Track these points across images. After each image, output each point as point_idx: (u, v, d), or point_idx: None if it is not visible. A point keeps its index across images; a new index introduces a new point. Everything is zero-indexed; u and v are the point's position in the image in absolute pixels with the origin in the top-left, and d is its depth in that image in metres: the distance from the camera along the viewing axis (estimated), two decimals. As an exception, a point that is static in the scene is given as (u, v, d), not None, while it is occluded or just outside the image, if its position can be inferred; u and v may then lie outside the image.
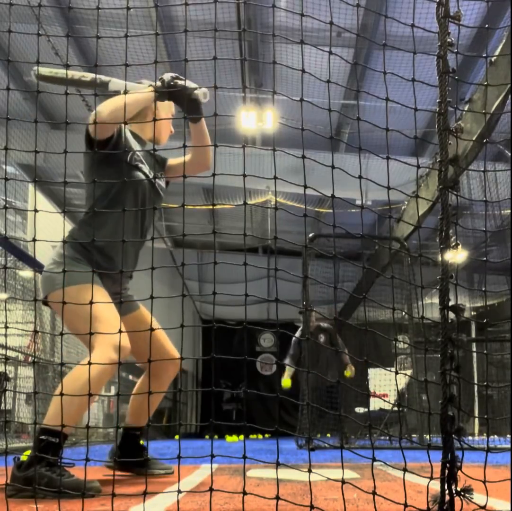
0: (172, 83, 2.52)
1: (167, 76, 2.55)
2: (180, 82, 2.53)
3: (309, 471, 1.53)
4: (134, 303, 2.84)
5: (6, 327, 2.21)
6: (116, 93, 2.53)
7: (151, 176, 2.74)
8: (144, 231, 2.77)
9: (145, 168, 2.74)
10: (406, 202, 7.86)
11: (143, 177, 2.70)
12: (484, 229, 2.07)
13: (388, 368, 7.70)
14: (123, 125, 2.62)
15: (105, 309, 2.28)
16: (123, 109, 2.14)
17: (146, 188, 2.72)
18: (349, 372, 7.62)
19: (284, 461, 1.57)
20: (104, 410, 10.14)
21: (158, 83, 2.51)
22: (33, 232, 1.84)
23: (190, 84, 2.56)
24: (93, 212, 2.57)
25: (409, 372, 7.46)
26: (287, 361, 7.66)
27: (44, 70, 2.55)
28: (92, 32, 7.09)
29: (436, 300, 1.58)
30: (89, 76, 2.60)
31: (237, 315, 13.16)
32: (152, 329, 1.86)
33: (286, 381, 7.77)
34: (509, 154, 8.20)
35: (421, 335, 6.81)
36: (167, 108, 2.90)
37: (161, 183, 2.86)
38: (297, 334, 7.85)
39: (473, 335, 12.17)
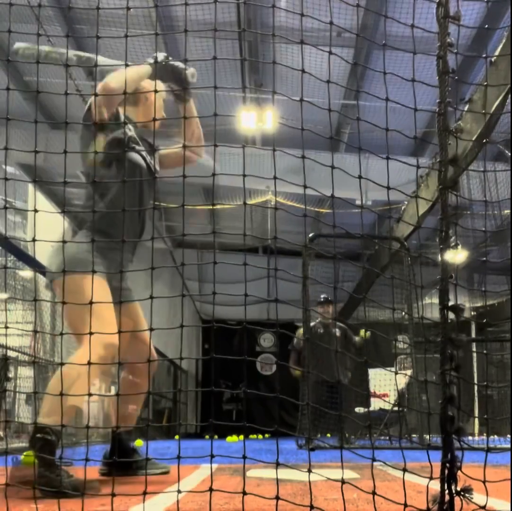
0: (164, 62, 2.62)
1: (160, 55, 2.65)
2: (173, 62, 2.65)
3: (309, 471, 1.53)
4: (129, 296, 2.83)
5: (6, 327, 2.20)
6: (109, 68, 2.58)
7: (147, 158, 2.77)
8: (142, 213, 2.80)
9: (142, 150, 2.77)
10: (406, 202, 7.87)
11: (140, 158, 2.72)
12: (484, 229, 2.08)
13: (388, 368, 7.70)
14: (119, 110, 2.64)
15: (102, 304, 2.27)
16: (127, 82, 2.19)
17: (144, 170, 2.74)
18: (363, 333, 7.55)
19: (284, 461, 1.57)
20: (104, 410, 10.12)
21: (152, 61, 2.61)
22: (33, 232, 1.84)
23: (180, 64, 2.64)
24: (94, 194, 2.60)
25: (409, 372, 7.45)
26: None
27: (23, 47, 2.58)
28: (92, 32, 7.08)
29: (436, 300, 1.58)
30: (73, 53, 2.64)
31: (237, 315, 13.15)
32: (151, 329, 1.86)
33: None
34: (509, 154, 8.19)
35: (421, 335, 6.81)
36: (158, 95, 2.92)
37: (157, 165, 2.89)
38: (295, 341, 7.85)
39: (473, 335, 12.17)
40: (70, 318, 2.43)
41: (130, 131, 2.76)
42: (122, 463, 2.86)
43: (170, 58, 2.66)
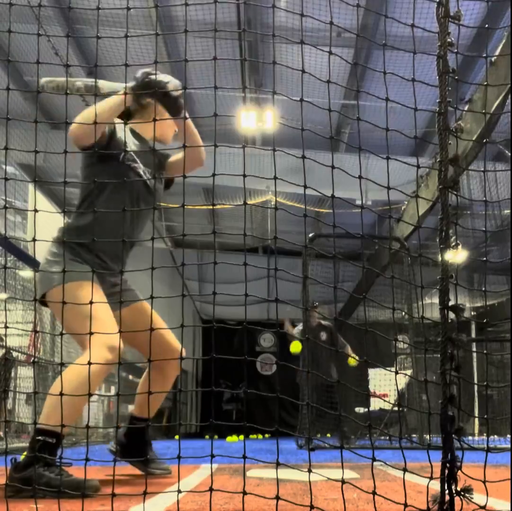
0: (146, 79, 2.50)
1: (139, 73, 2.54)
2: (153, 77, 2.50)
3: (309, 471, 1.53)
4: (134, 295, 2.82)
5: (6, 327, 2.20)
6: (110, 94, 2.56)
7: (145, 175, 2.73)
8: (137, 229, 2.77)
9: (139, 167, 2.73)
10: (406, 202, 7.87)
11: (136, 176, 2.69)
12: (484, 229, 2.08)
13: (388, 368, 7.71)
14: (118, 124, 2.62)
15: (99, 308, 2.25)
16: (97, 119, 2.13)
17: (139, 188, 2.71)
18: (352, 360, 7.57)
19: (284, 461, 1.57)
20: (104, 410, 10.13)
21: (129, 84, 2.49)
22: (33, 232, 1.84)
23: (163, 77, 2.54)
24: (79, 208, 2.62)
25: (409, 372, 7.46)
26: (297, 329, 7.71)
27: (49, 81, 2.60)
28: (92, 32, 7.08)
29: (436, 300, 1.58)
30: (80, 81, 2.63)
31: (237, 315, 13.15)
32: (152, 329, 1.86)
33: (295, 345, 7.51)
34: (509, 154, 8.19)
35: (421, 335, 6.81)
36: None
37: (158, 182, 2.85)
38: (296, 331, 7.89)
39: (473, 335, 12.16)
40: (71, 326, 2.41)
41: (127, 147, 2.70)
42: (136, 451, 2.84)
43: (150, 75, 2.51)
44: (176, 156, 2.98)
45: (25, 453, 2.24)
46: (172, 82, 2.56)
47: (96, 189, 2.59)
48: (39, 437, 2.17)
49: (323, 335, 7.81)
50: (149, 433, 2.94)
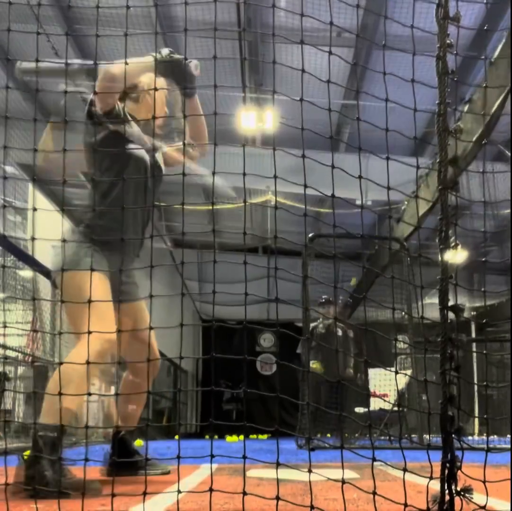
0: (169, 57, 2.61)
1: (164, 50, 2.64)
2: (177, 56, 2.62)
3: (309, 471, 1.53)
4: (135, 290, 2.80)
5: (6, 327, 2.20)
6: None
7: (150, 153, 2.75)
8: (148, 206, 2.78)
9: (144, 147, 2.75)
10: (406, 202, 7.87)
11: (144, 153, 2.70)
12: (484, 229, 2.08)
13: (388, 368, 7.69)
14: (119, 106, 2.62)
15: (101, 299, 2.23)
16: (129, 71, 2.17)
17: (147, 165, 2.74)
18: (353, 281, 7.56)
19: (284, 461, 1.57)
20: (104, 410, 10.11)
21: (158, 55, 2.57)
22: (33, 231, 1.83)
23: (182, 57, 2.62)
24: (94, 183, 2.60)
25: (409, 372, 7.45)
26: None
27: (28, 65, 2.60)
28: (91, 32, 7.08)
29: (436, 300, 1.58)
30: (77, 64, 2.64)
31: (237, 315, 13.13)
32: (150, 328, 1.86)
33: (315, 364, 7.63)
34: (509, 154, 8.19)
35: (421, 335, 6.80)
36: (160, 91, 2.88)
37: (162, 164, 2.88)
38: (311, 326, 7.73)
39: (473, 335, 12.16)
40: (69, 313, 2.43)
41: (131, 128, 2.73)
42: (124, 464, 2.84)
43: (174, 54, 2.63)
44: (174, 147, 2.98)
45: (27, 452, 2.24)
46: (192, 63, 2.66)
47: (110, 169, 2.60)
48: (41, 433, 2.16)
49: (338, 331, 7.75)
50: (143, 437, 2.93)
